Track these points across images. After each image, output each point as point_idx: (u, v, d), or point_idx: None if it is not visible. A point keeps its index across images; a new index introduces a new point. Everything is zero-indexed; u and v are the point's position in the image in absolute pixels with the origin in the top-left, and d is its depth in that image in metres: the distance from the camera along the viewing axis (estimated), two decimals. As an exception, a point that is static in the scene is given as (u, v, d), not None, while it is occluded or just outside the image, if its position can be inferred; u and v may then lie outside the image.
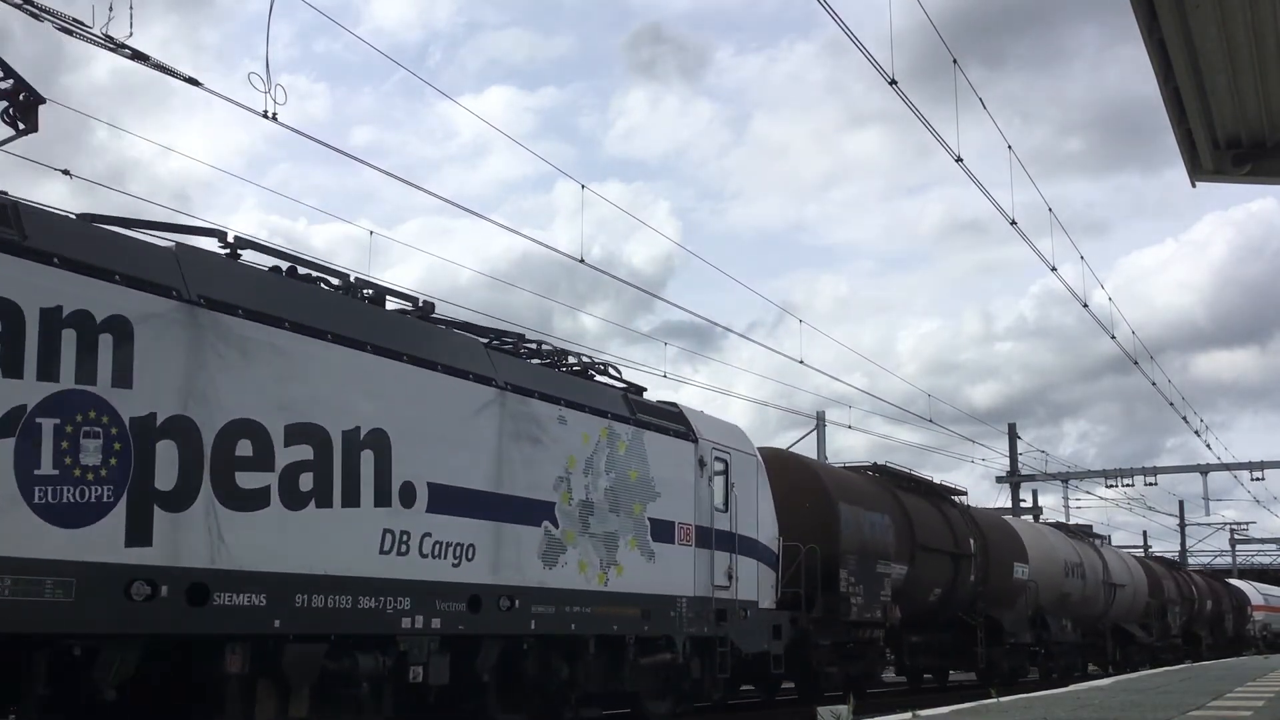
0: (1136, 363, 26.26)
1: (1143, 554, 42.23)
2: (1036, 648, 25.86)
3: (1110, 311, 23.39)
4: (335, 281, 9.96)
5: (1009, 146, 16.36)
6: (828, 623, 17.06)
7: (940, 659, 23.32)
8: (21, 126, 7.44)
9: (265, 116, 10.08)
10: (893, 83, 11.65)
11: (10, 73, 7.45)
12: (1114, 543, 58.87)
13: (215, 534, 7.84)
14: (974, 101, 14.15)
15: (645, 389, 14.40)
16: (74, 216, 7.99)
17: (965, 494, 24.20)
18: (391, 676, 9.41)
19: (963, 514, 23.25)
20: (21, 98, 7.42)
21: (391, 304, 10.68)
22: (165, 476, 7.53)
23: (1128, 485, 46.14)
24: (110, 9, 8.77)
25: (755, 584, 14.97)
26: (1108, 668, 31.86)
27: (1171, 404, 31.06)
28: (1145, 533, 64.74)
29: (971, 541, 22.69)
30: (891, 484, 21.13)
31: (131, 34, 8.96)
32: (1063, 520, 40.02)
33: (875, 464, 21.38)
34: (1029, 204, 56.25)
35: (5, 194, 7.15)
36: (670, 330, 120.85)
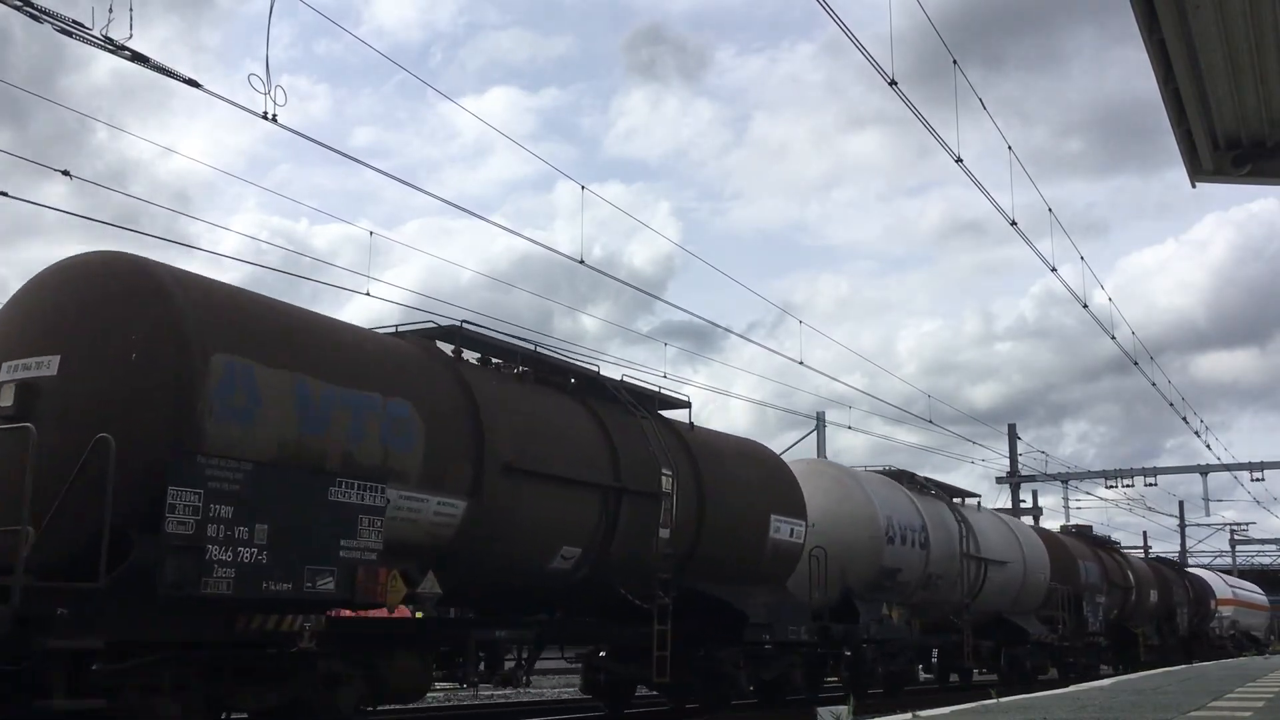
0: (1136, 363, 25.32)
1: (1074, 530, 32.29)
2: (830, 648, 16.22)
3: (1110, 312, 22.35)
4: None
5: (1009, 147, 15.63)
6: (116, 605, 7.60)
7: (621, 664, 13.86)
8: None
9: (265, 118, 9.76)
10: (893, 83, 11.22)
11: None
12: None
13: None
14: (973, 103, 13.61)
15: None
16: None
17: (687, 404, 14.67)
18: None
19: (659, 429, 13.51)
20: None
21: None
22: None
23: (1128, 486, 45.73)
24: (110, 10, 8.50)
25: None
26: (999, 681, 22.51)
27: (1171, 404, 30.04)
28: (1145, 533, 61.06)
29: (667, 474, 13.13)
30: (456, 360, 11.54)
31: (131, 35, 8.65)
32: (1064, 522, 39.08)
33: (447, 326, 11.72)
34: (1029, 205, 53.82)
35: None
36: (671, 331, 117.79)
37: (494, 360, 12.07)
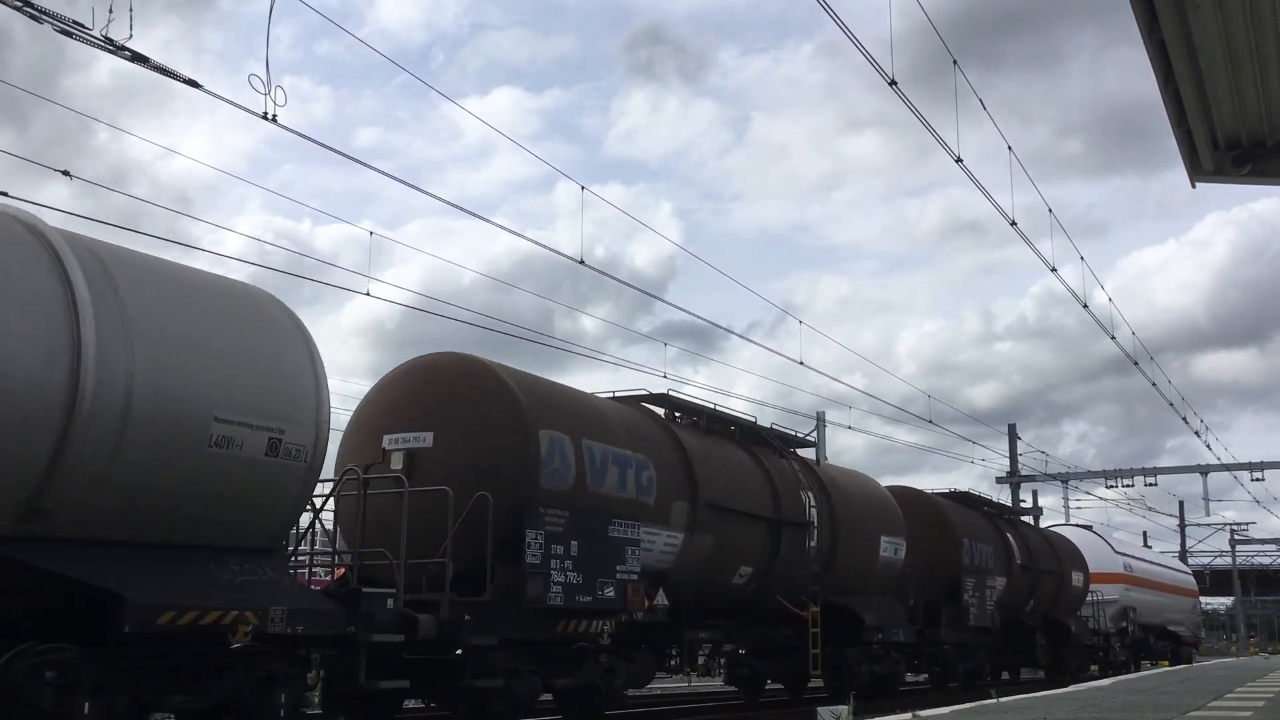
0: (1136, 363, 24.51)
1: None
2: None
3: (1110, 312, 21.57)
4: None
5: (1009, 147, 15.45)
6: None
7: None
8: None
9: (265, 118, 9.67)
10: (892, 83, 11.12)
11: None
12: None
13: None
14: (973, 103, 13.52)
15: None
16: None
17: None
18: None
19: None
20: None
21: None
22: None
23: (1128, 486, 44.60)
24: (110, 11, 8.46)
25: None
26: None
27: (1171, 404, 29.05)
28: (1145, 533, 59.67)
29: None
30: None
31: (131, 36, 8.58)
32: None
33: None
34: (1029, 205, 54.10)
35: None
36: (671, 331, 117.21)
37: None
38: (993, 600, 20.35)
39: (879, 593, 16.99)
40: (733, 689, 17.66)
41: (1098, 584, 27.78)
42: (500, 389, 10.74)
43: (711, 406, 14.52)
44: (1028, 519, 28.69)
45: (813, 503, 15.16)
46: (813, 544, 14.98)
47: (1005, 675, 25.12)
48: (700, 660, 14.21)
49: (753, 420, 15.25)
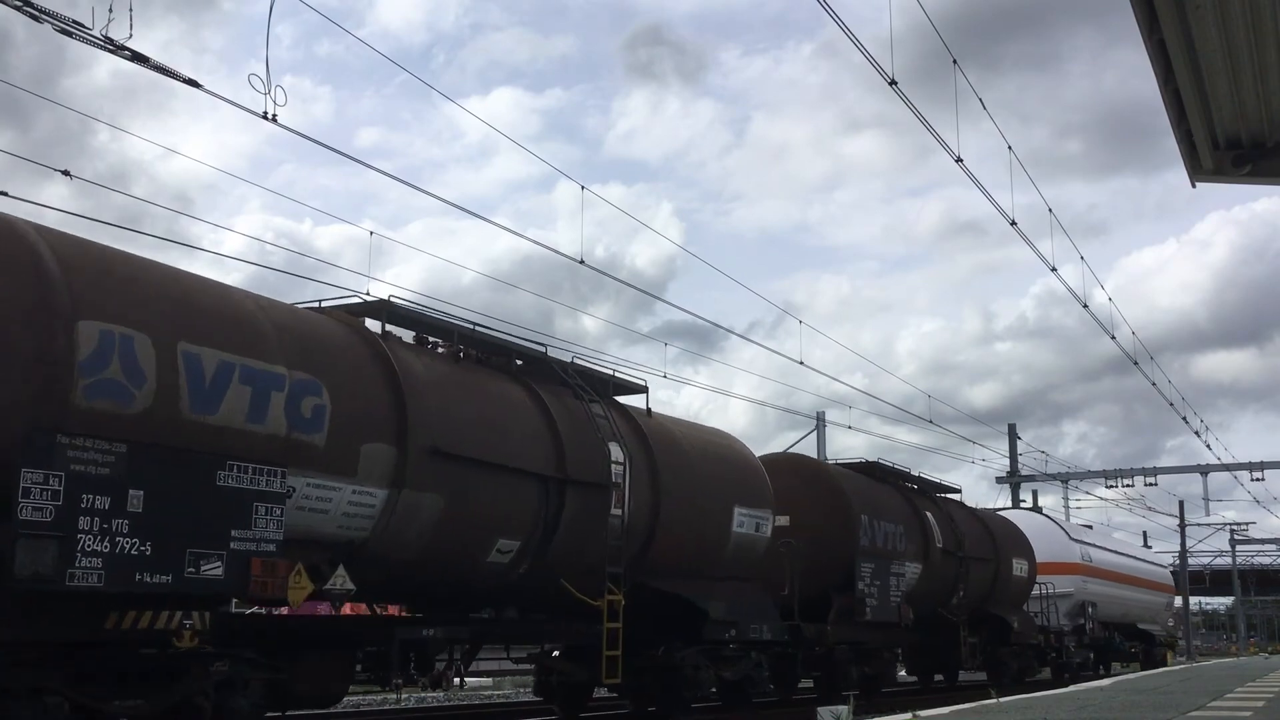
0: (1137, 363, 24.08)
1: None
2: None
3: (1110, 312, 21.32)
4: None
5: (1009, 147, 15.07)
6: None
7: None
8: None
9: (265, 118, 9.43)
10: (893, 83, 10.79)
11: None
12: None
13: None
14: (972, 104, 13.04)
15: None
16: None
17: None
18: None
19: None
20: None
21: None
22: None
23: (1128, 485, 43.85)
24: (110, 11, 8.30)
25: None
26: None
27: (1171, 404, 28.53)
28: (1145, 533, 58.80)
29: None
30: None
31: (131, 35, 8.41)
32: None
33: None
34: (1029, 205, 53.13)
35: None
36: (671, 330, 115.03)
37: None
38: (900, 590, 16.53)
39: (734, 579, 13.13)
40: (539, 699, 13.68)
41: (1048, 575, 24.07)
42: (17, 254, 6.97)
43: (470, 326, 10.71)
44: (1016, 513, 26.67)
45: (620, 457, 11.30)
46: (618, 512, 11.17)
47: (939, 679, 21.35)
48: (439, 667, 10.21)
49: (542, 351, 11.45)
